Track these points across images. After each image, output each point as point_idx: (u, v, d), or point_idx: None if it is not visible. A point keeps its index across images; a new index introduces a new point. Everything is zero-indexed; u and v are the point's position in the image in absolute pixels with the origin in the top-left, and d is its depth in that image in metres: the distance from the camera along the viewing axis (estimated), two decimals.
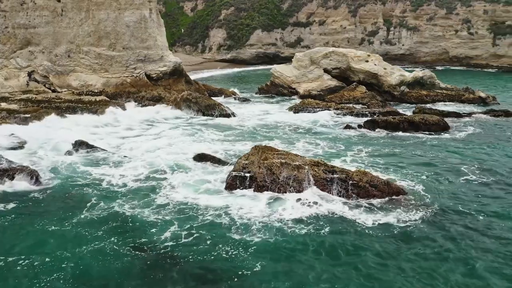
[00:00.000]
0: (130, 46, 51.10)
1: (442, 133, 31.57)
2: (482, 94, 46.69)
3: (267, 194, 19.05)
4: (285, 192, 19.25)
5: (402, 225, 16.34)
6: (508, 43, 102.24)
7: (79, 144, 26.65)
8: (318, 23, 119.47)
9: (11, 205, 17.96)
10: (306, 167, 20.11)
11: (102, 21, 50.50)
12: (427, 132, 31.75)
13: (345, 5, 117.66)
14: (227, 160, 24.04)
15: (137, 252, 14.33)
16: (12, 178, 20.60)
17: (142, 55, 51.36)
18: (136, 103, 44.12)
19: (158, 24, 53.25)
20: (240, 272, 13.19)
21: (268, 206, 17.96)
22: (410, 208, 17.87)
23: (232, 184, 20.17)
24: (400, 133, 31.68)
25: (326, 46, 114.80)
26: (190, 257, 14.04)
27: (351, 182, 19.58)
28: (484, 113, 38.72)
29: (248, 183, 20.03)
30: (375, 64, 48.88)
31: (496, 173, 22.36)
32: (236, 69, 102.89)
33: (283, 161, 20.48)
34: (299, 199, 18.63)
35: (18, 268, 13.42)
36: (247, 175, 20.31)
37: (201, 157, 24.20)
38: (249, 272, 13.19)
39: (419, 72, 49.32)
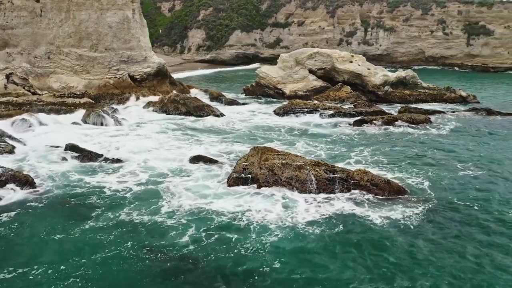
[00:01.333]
0: (112, 47, 50.21)
1: (429, 129, 32.34)
2: (463, 93, 47.90)
3: (270, 195, 18.99)
4: (286, 192, 19.26)
5: (411, 220, 16.59)
6: (482, 43, 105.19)
7: (71, 148, 26.02)
8: (297, 23, 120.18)
9: (11, 214, 17.33)
10: (307, 167, 20.19)
11: (83, 22, 49.45)
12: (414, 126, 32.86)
13: (323, 6, 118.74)
14: (224, 162, 23.89)
15: (153, 257, 14.06)
16: (4, 185, 19.95)
17: (125, 56, 50.55)
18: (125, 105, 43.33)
19: (141, 25, 52.56)
20: (259, 272, 13.13)
21: (273, 206, 17.91)
22: (412, 205, 18.15)
23: (234, 185, 20.07)
24: (392, 128, 32.64)
25: (305, 46, 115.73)
26: (208, 259, 13.88)
27: (352, 181, 19.79)
28: (467, 111, 39.73)
29: (250, 184, 19.97)
30: (359, 65, 49.49)
31: (488, 167, 23.03)
32: (216, 69, 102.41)
33: (284, 161, 20.51)
34: (304, 199, 18.66)
35: (31, 277, 12.98)
36: (249, 176, 20.27)
37: (197, 159, 23.98)
38: (269, 272, 13.15)
39: (401, 72, 50.23)
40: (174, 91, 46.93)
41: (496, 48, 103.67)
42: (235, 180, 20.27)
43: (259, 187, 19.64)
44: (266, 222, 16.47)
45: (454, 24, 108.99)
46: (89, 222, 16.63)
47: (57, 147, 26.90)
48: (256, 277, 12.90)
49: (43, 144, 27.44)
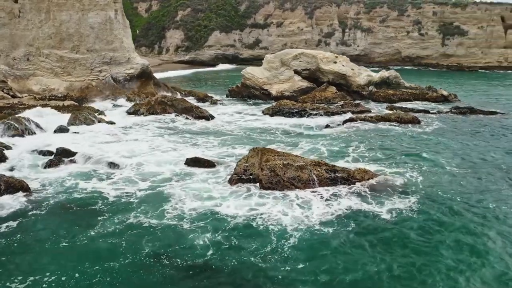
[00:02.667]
0: (95, 48, 49.31)
1: (418, 129, 33.03)
2: (445, 92, 49.10)
3: (275, 195, 18.99)
4: (291, 193, 19.30)
5: (415, 214, 16.89)
6: (456, 43, 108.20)
7: (62, 152, 25.37)
8: (275, 24, 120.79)
9: (10, 223, 16.72)
10: (309, 167, 20.31)
11: (64, 23, 48.37)
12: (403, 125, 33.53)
13: (302, 7, 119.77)
14: (222, 163, 23.76)
15: (168, 263, 13.70)
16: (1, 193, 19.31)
17: (108, 57, 49.72)
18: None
19: (124, 26, 51.77)
20: (277, 273, 13.11)
21: (280, 206, 17.91)
22: (415, 199, 18.49)
23: (237, 186, 19.98)
24: (381, 126, 33.27)
25: (284, 47, 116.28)
26: (225, 263, 13.69)
27: (354, 180, 20.02)
28: (451, 110, 40.73)
29: (252, 185, 19.94)
30: (343, 65, 50.11)
31: (477, 162, 23.72)
32: (195, 70, 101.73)
33: (285, 162, 20.56)
34: (309, 198, 18.75)
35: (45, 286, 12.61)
36: (251, 177, 20.23)
37: (195, 161, 23.74)
38: (288, 272, 13.14)
39: (385, 72, 51.10)
40: (164, 93, 46.40)
41: (470, 48, 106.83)
42: (237, 182, 20.19)
43: (262, 188, 19.61)
44: (277, 223, 16.41)
45: (429, 24, 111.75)
46: (94, 228, 16.19)
47: (48, 151, 26.17)
48: (276, 278, 12.88)
49: (32, 149, 26.63)
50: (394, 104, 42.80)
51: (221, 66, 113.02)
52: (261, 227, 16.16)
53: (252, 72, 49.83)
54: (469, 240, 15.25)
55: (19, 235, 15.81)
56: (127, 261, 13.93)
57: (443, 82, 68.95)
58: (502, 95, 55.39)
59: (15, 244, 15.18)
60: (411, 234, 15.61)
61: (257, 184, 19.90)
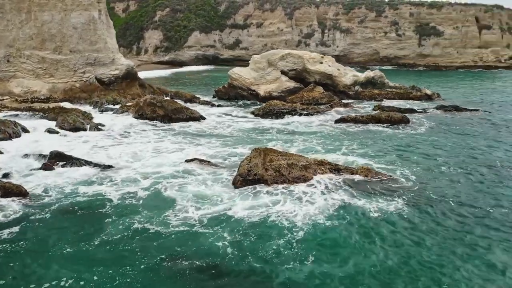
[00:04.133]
0: (78, 49, 48.29)
1: (405, 126, 33.71)
2: (428, 92, 50.21)
3: (282, 195, 19.02)
4: (298, 192, 19.38)
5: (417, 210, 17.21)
6: (432, 43, 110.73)
7: (56, 156, 24.73)
8: (255, 25, 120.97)
9: (12, 229, 16.20)
10: (313, 166, 20.43)
11: (46, 23, 47.20)
12: (390, 125, 34.10)
13: (281, 8, 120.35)
14: (224, 164, 23.63)
15: (183, 268, 13.51)
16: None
17: (92, 58, 48.76)
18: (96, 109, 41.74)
19: (108, 26, 50.90)
20: (292, 271, 13.13)
21: (287, 205, 17.93)
22: (420, 198, 18.84)
23: (242, 187, 19.92)
24: (372, 126, 33.76)
25: (264, 48, 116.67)
26: (242, 265, 13.63)
27: (357, 179, 20.24)
28: (437, 109, 41.68)
29: (257, 185, 19.91)
30: (329, 65, 50.59)
31: (467, 158, 24.40)
32: (175, 70, 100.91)
33: (289, 162, 20.62)
34: (316, 197, 18.86)
35: None
36: (255, 177, 20.20)
37: (196, 163, 23.53)
38: (302, 271, 13.19)
39: (370, 72, 51.88)
40: (150, 94, 45.78)
41: (446, 48, 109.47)
42: (241, 183, 20.11)
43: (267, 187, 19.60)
44: (286, 221, 16.41)
45: (406, 25, 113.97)
46: (100, 232, 15.78)
47: (40, 155, 25.47)
48: (290, 277, 12.87)
49: (24, 152, 25.88)
50: (381, 104, 43.40)
51: (200, 67, 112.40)
52: (271, 226, 16.13)
53: (239, 73, 49.75)
54: (475, 239, 15.60)
55: (24, 241, 15.33)
56: (136, 264, 13.69)
57: (424, 82, 70.32)
58: (482, 93, 57.03)
59: (22, 251, 14.70)
60: (419, 232, 15.89)
61: (263, 184, 19.85)
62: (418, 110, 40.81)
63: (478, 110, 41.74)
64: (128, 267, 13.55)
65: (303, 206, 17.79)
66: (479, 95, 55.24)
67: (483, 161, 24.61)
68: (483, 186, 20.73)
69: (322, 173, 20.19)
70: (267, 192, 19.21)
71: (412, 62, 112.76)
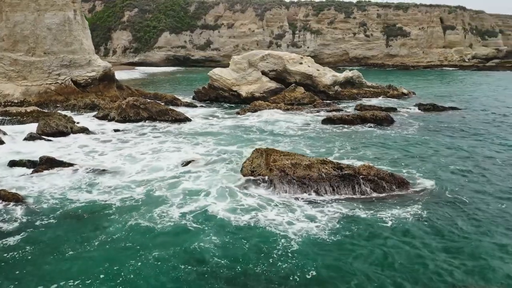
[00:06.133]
0: (52, 51, 46.70)
1: (391, 126, 34.54)
2: (404, 90, 51.67)
3: (289, 196, 19.09)
4: (305, 193, 19.51)
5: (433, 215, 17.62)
6: (399, 43, 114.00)
7: (47, 161, 23.86)
8: (226, 26, 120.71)
9: (16, 237, 15.51)
10: (317, 165, 20.61)
11: (18, 24, 45.39)
12: (376, 124, 34.84)
13: (252, 9, 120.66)
14: (223, 165, 23.48)
15: (186, 269, 13.28)
16: None
17: (67, 60, 47.26)
18: (74, 112, 40.50)
19: (83, 27, 49.52)
20: (303, 274, 13.13)
21: (294, 207, 18.03)
22: (423, 197, 19.33)
23: (247, 188, 19.86)
24: (358, 125, 34.38)
25: (236, 49, 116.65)
26: (252, 268, 13.52)
27: (360, 176, 20.57)
28: (416, 107, 42.91)
29: (263, 186, 19.92)
30: (309, 66, 51.20)
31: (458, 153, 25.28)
32: (148, 72, 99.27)
33: (293, 161, 20.71)
34: (322, 196, 19.05)
35: None
36: (260, 178, 20.19)
37: (193, 164, 23.27)
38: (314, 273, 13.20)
39: (349, 73, 52.84)
40: (128, 96, 44.86)
41: (413, 48, 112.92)
42: (247, 183, 20.05)
43: (274, 188, 19.63)
44: (293, 222, 16.44)
45: (374, 26, 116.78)
46: (98, 237, 15.32)
47: (29, 161, 24.51)
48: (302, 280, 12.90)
49: (9, 158, 24.80)
50: (362, 103, 44.24)
51: (171, 68, 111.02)
52: (276, 226, 16.14)
53: (220, 73, 49.52)
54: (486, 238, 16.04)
55: (28, 247, 14.77)
56: (138, 265, 13.48)
57: (396, 81, 72.25)
58: (453, 91, 59.19)
59: (29, 257, 14.18)
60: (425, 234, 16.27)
61: (268, 184, 19.86)
62: (399, 109, 41.88)
63: (456, 108, 43.27)
64: (127, 268, 13.36)
65: (314, 207, 17.94)
66: (451, 93, 57.23)
67: (484, 157, 25.20)
68: (496, 182, 21.28)
69: (327, 172, 20.39)
70: (273, 193, 19.25)
71: (381, 62, 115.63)
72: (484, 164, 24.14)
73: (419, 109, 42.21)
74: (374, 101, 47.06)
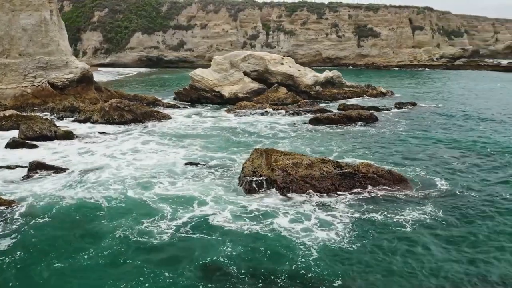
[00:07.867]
0: (28, 52, 45.18)
1: (379, 124, 35.30)
2: (383, 90, 52.85)
3: (294, 196, 19.21)
4: (308, 191, 19.67)
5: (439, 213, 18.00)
6: (370, 44, 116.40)
7: (37, 166, 23.12)
8: (200, 26, 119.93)
9: (8, 242, 15.03)
10: (317, 164, 20.84)
11: None
12: (364, 124, 35.49)
13: (225, 9, 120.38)
14: (221, 166, 23.39)
15: (188, 273, 13.11)
16: None
17: (43, 61, 45.83)
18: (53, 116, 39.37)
19: (60, 27, 48.15)
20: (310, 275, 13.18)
21: (300, 207, 18.16)
22: (422, 193, 19.84)
23: (251, 189, 19.85)
24: (346, 124, 35.02)
25: (210, 49, 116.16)
26: (262, 272, 13.50)
27: (360, 174, 20.93)
28: (397, 106, 43.94)
29: (266, 186, 19.97)
30: (290, 66, 51.62)
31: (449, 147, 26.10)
32: (122, 73, 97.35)
33: (294, 161, 20.85)
34: (327, 196, 19.26)
35: None
36: (263, 179, 20.22)
37: (191, 165, 23.07)
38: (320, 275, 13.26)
39: (329, 73, 53.57)
40: (108, 98, 43.93)
41: (383, 48, 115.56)
42: (250, 185, 20.01)
43: (278, 188, 19.70)
44: (301, 223, 16.52)
45: (345, 27, 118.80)
46: (91, 240, 15.09)
47: (16, 166, 23.73)
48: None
49: None
50: (345, 103, 44.92)
51: (144, 69, 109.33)
52: (284, 228, 16.04)
53: (201, 74, 49.22)
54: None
55: (20, 252, 14.40)
56: (135, 269, 13.36)
57: (371, 80, 73.64)
58: (429, 89, 61.09)
59: (12, 262, 13.84)
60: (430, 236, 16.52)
61: (271, 185, 19.92)
62: (381, 108, 42.79)
63: (435, 105, 44.69)
64: (124, 271, 13.22)
65: (319, 206, 18.13)
66: (427, 91, 59.00)
67: (482, 151, 26.06)
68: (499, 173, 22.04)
69: (328, 171, 20.64)
70: (278, 193, 19.33)
71: (353, 62, 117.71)
72: (475, 155, 25.13)
73: (400, 107, 43.25)
74: (354, 101, 47.91)
